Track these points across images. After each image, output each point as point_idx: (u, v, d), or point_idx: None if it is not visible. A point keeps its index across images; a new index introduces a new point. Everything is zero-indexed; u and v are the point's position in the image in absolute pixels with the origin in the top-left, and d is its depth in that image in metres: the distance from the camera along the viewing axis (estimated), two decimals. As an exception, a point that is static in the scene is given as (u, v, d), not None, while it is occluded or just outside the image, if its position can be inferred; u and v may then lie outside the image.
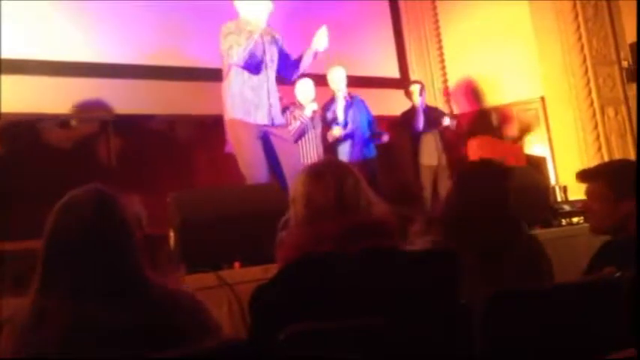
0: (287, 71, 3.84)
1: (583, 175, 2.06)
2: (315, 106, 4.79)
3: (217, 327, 1.40)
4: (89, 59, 4.71)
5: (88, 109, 4.65)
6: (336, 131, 4.95)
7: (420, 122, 5.51)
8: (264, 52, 3.66)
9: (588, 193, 2.03)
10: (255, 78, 3.61)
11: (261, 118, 3.62)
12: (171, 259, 2.50)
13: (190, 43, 4.97)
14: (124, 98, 4.81)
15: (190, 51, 5.04)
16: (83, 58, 4.69)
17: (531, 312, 1.45)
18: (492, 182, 1.97)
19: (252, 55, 3.52)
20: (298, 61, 3.81)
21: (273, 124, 3.67)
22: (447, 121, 5.56)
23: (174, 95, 5.07)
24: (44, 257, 1.28)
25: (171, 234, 2.54)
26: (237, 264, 2.49)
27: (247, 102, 3.59)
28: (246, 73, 3.59)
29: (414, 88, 5.66)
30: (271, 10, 3.59)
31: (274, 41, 3.76)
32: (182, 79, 5.06)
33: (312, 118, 4.80)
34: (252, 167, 3.55)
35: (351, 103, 5.02)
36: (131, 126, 4.92)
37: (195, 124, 5.19)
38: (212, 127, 5.04)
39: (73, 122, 4.62)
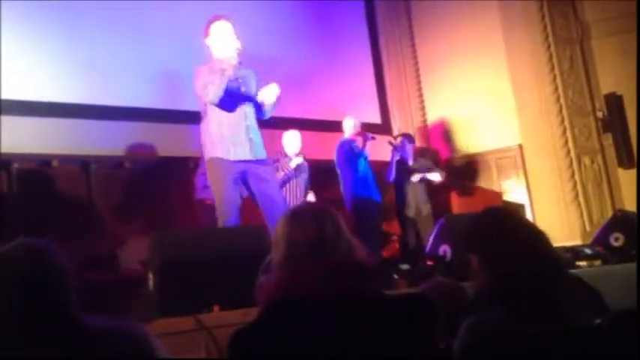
0: (257, 111, 3.75)
1: None
2: (299, 160, 4.90)
3: None
4: (73, 100, 4.73)
5: (71, 149, 4.64)
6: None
7: (391, 175, 5.56)
8: (238, 88, 3.62)
9: None
10: (232, 116, 3.57)
11: (241, 154, 3.56)
12: (148, 301, 2.47)
13: (175, 86, 5.02)
14: (106, 139, 4.82)
15: (173, 94, 5.10)
16: (67, 99, 4.70)
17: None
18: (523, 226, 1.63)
19: (227, 93, 3.48)
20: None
21: (255, 160, 3.61)
22: (437, 177, 5.59)
23: (156, 137, 5.09)
24: None
25: (150, 275, 2.51)
26: (216, 307, 2.47)
27: (226, 140, 3.54)
28: (223, 112, 3.55)
29: (395, 142, 5.76)
30: (240, 48, 3.52)
31: (249, 76, 3.72)
32: (165, 121, 5.10)
33: (295, 170, 4.87)
34: (224, 205, 3.48)
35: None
36: (113, 167, 4.92)
37: (177, 167, 5.20)
38: (193, 169, 5.06)
39: (55, 162, 4.61)
